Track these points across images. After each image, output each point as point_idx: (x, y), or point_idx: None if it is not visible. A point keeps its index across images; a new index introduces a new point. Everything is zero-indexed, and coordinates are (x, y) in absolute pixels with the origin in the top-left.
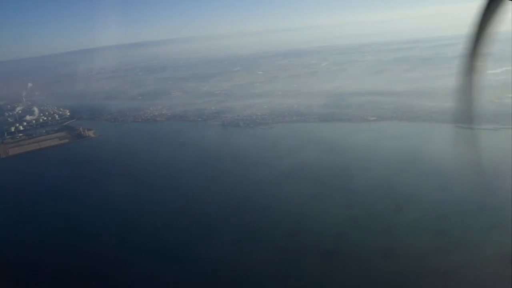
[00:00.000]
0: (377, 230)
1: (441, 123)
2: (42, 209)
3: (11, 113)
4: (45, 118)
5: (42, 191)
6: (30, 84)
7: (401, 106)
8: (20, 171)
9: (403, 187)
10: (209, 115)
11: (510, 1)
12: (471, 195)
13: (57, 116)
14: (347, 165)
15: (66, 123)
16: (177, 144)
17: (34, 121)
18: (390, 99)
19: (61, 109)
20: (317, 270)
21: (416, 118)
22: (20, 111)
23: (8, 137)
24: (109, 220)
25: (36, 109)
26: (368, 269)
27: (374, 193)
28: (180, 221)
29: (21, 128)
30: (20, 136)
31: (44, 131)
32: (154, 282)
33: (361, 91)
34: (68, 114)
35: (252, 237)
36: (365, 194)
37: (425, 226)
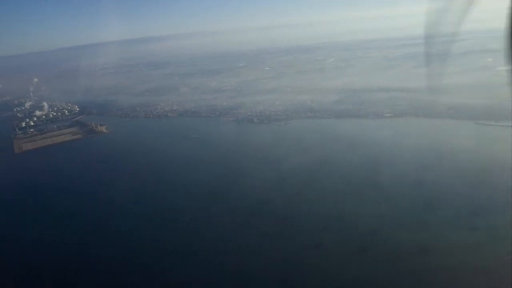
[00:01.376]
0: (410, 226)
1: (460, 120)
2: (70, 204)
3: (19, 109)
4: (55, 114)
5: (66, 188)
6: (35, 79)
7: (415, 103)
8: (39, 167)
9: (432, 184)
10: (221, 111)
11: None
12: (502, 193)
13: (66, 111)
14: (373, 162)
15: (77, 118)
16: (194, 140)
17: (44, 117)
18: (403, 96)
19: (69, 104)
20: (353, 265)
21: (433, 114)
22: (28, 107)
23: (19, 132)
24: (141, 216)
25: (46, 104)
26: (404, 265)
27: (404, 190)
28: (210, 218)
29: (32, 123)
30: (32, 131)
31: (55, 126)
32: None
33: (372, 88)
34: (77, 109)
35: (285, 232)
36: (395, 190)
37: (459, 223)
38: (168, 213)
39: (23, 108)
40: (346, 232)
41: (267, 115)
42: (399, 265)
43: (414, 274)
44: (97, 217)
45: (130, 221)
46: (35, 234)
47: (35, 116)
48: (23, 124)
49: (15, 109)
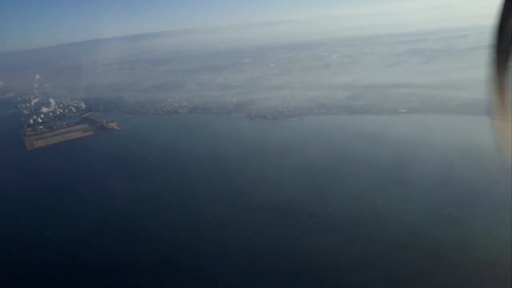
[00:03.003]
0: (444, 222)
1: (476, 116)
2: (98, 201)
3: (24, 105)
4: (62, 111)
5: (90, 184)
6: (38, 76)
7: (428, 99)
8: (58, 164)
9: (460, 180)
10: (232, 107)
11: None
12: None
13: (73, 108)
14: (399, 158)
15: (85, 115)
16: (209, 136)
17: (51, 114)
18: (415, 92)
19: (75, 101)
20: (392, 261)
21: (448, 110)
22: (34, 103)
23: (28, 129)
24: (170, 213)
25: (52, 101)
26: (441, 260)
27: (432, 186)
28: (243, 215)
29: (40, 120)
30: (41, 128)
31: (64, 123)
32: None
33: (381, 84)
34: (84, 106)
35: (319, 229)
36: (424, 186)
37: (492, 219)
38: (199, 211)
39: (29, 105)
40: (381, 228)
41: (279, 111)
42: (442, 261)
43: (455, 269)
44: (128, 214)
45: (160, 218)
46: (67, 232)
47: (42, 113)
48: (31, 121)
49: (19, 106)
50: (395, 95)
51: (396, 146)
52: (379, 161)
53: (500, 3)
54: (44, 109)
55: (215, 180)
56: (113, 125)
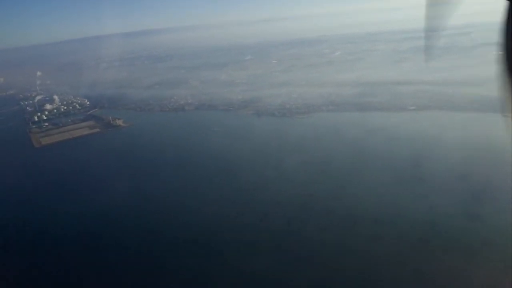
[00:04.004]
0: (465, 218)
1: (487, 113)
2: (120, 197)
3: (27, 102)
4: (66, 108)
5: (105, 181)
6: (39, 73)
7: (436, 96)
8: (69, 162)
9: (476, 177)
10: (238, 104)
11: None
12: None
13: (77, 105)
14: (416, 156)
15: (90, 112)
16: (218, 133)
17: (55, 110)
18: (422, 88)
19: (78, 98)
20: (415, 258)
21: (457, 107)
22: (37, 100)
23: (33, 126)
24: (195, 210)
25: (56, 98)
26: (466, 257)
27: (450, 183)
28: (277, 212)
29: (44, 117)
30: (46, 125)
31: (69, 120)
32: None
33: (388, 81)
34: (88, 103)
35: (339, 224)
36: (442, 183)
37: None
38: (219, 207)
39: (31, 102)
40: (402, 224)
41: (287, 108)
42: (464, 257)
43: (479, 266)
44: (153, 211)
45: (188, 215)
46: (95, 230)
47: (46, 110)
48: (36, 118)
49: (22, 103)
50: (403, 92)
51: (412, 144)
52: (398, 158)
53: (506, 1)
54: (48, 106)
55: (235, 178)
56: (120, 122)
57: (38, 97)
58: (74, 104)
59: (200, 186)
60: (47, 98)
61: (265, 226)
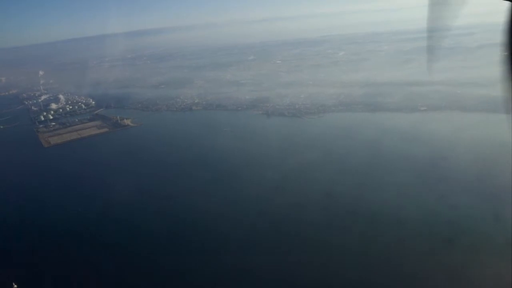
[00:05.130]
0: (490, 218)
1: (498, 114)
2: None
3: (31, 102)
4: (71, 107)
5: (119, 183)
6: (41, 72)
7: (446, 96)
8: (81, 161)
9: (495, 177)
10: (247, 104)
11: None
12: None
13: (82, 105)
14: (431, 155)
15: (96, 111)
16: (230, 133)
17: (60, 110)
18: (431, 89)
19: (83, 97)
20: (444, 256)
21: (468, 108)
22: (42, 100)
23: (40, 126)
24: (219, 210)
25: (62, 97)
26: (494, 257)
27: (470, 182)
28: (301, 211)
29: (50, 116)
30: (53, 125)
31: (76, 120)
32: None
33: (395, 81)
34: (93, 102)
35: (369, 225)
36: (463, 183)
37: None
38: (241, 208)
39: (36, 101)
40: (426, 224)
41: (296, 108)
42: (493, 257)
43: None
44: (179, 211)
45: (218, 216)
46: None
47: (51, 109)
48: (42, 118)
49: (26, 103)
50: (412, 93)
51: (429, 144)
52: (415, 158)
53: (509, 2)
54: (53, 106)
55: (253, 178)
56: (128, 122)
57: (43, 97)
58: (80, 103)
59: (220, 187)
60: (51, 98)
61: (286, 227)
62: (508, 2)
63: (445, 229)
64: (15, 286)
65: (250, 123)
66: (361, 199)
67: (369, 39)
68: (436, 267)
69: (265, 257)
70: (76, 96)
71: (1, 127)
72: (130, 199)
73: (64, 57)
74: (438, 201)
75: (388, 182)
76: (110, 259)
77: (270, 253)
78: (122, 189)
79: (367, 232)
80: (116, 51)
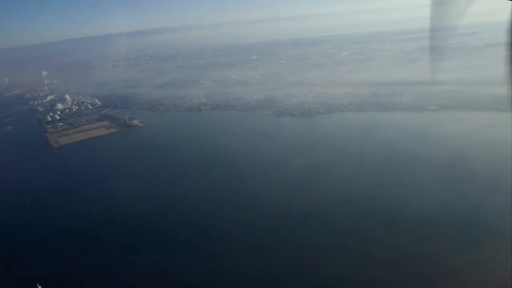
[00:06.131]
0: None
1: (509, 112)
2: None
3: (36, 102)
4: (77, 107)
5: (133, 183)
6: (45, 72)
7: (456, 95)
8: (93, 161)
9: None
10: (255, 104)
11: None
12: None
13: (89, 105)
14: (447, 154)
15: (103, 112)
16: (241, 133)
17: (67, 110)
18: (439, 88)
19: (88, 97)
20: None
21: (479, 107)
22: (48, 100)
23: (48, 126)
24: (245, 212)
25: (68, 98)
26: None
27: (490, 181)
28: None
29: (57, 117)
30: (61, 125)
31: (84, 120)
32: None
33: (402, 81)
34: (99, 103)
35: (386, 224)
36: (482, 182)
37: None
38: (259, 207)
39: (41, 101)
40: (448, 224)
41: (306, 108)
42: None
43: None
44: (204, 211)
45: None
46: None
47: (57, 109)
48: (49, 118)
49: (31, 103)
50: (421, 92)
51: (443, 143)
52: (431, 158)
53: None
54: (60, 106)
55: (269, 178)
56: (136, 122)
57: (49, 97)
58: (86, 104)
59: (235, 186)
60: (56, 98)
61: (306, 226)
62: (511, 2)
63: (468, 230)
64: (40, 287)
65: (261, 123)
66: (382, 199)
67: (371, 39)
68: (467, 266)
69: (286, 259)
70: (81, 96)
71: (9, 127)
72: (144, 201)
73: (66, 57)
74: (463, 201)
75: (409, 183)
76: (123, 260)
77: (292, 255)
78: (136, 190)
79: (384, 231)
80: (118, 51)
